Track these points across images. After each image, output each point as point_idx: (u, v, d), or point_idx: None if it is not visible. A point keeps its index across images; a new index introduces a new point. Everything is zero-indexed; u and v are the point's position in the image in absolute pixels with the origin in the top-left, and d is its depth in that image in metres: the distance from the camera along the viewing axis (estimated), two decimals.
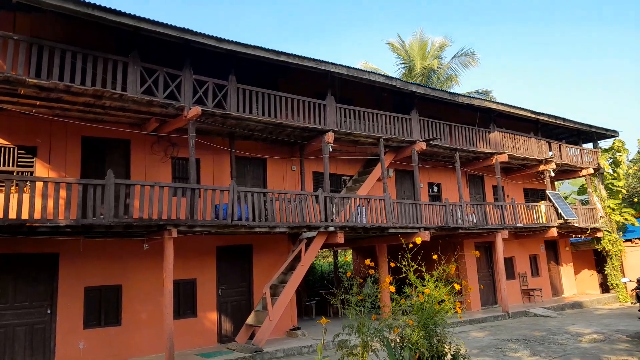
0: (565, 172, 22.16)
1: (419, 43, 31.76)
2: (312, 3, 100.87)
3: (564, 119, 20.32)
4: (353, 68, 14.16)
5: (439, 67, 30.79)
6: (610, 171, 22.30)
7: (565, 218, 19.09)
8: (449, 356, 6.83)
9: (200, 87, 11.58)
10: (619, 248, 21.09)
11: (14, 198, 9.09)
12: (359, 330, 6.07)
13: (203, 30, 11.22)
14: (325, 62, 13.28)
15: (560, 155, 20.67)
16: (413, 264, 6.59)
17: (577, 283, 23.29)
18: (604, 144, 23.43)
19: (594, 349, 10.52)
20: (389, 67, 68.55)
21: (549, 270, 21.95)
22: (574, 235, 21.62)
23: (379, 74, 15.80)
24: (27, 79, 9.13)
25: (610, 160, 22.55)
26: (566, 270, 22.77)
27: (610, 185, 22.23)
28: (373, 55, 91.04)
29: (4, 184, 9.03)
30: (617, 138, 22.57)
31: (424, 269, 6.70)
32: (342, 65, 13.71)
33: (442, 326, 6.72)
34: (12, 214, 8.93)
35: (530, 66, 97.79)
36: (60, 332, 10.33)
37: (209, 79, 11.68)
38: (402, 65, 32.28)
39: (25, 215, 8.96)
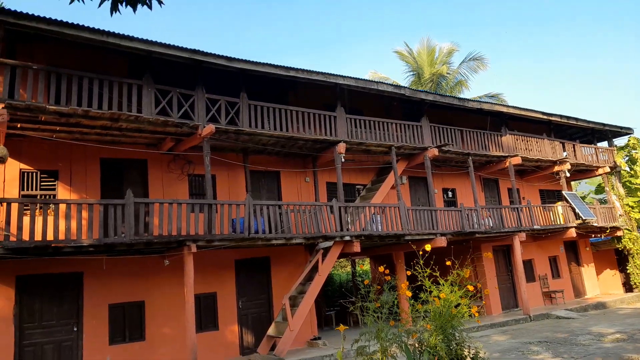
0: (581, 171, 22.00)
1: (426, 50, 31.96)
2: (318, 15, 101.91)
3: (577, 119, 20.24)
4: (361, 79, 14.38)
5: (448, 73, 30.89)
6: (627, 169, 22.09)
7: (584, 218, 18.93)
8: (469, 359, 6.92)
9: (213, 105, 11.89)
10: None
11: (38, 221, 9.43)
12: (377, 336, 6.15)
13: (213, 49, 11.63)
14: (333, 74, 13.53)
15: (575, 155, 20.55)
16: (427, 270, 6.70)
17: (599, 283, 22.96)
18: (619, 141, 23.26)
19: (617, 349, 10.43)
20: (398, 75, 68.76)
21: (570, 271, 21.71)
22: (593, 235, 21.36)
23: (387, 83, 15.99)
24: (47, 106, 9.52)
25: (627, 158, 22.38)
26: (588, 271, 22.48)
27: (627, 183, 22.01)
28: (382, 64, 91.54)
29: (29, 208, 9.37)
30: (632, 135, 22.39)
31: (437, 274, 6.80)
32: (351, 77, 13.95)
33: (460, 330, 6.83)
34: (38, 236, 9.27)
35: (541, 68, 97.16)
36: (87, 349, 10.60)
37: (220, 97, 11.99)
38: (411, 73, 32.48)
39: (50, 236, 9.28)
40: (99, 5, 4.93)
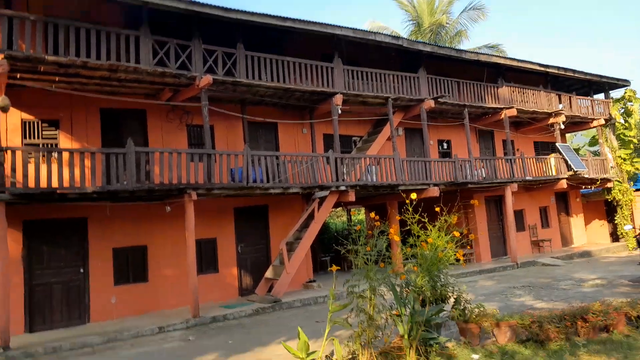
0: (576, 124, 22.19)
1: None
2: None
3: (574, 70, 20.23)
4: (359, 30, 14.33)
5: (448, 23, 30.43)
6: (622, 121, 22.26)
7: (575, 170, 19.34)
8: (452, 300, 7.46)
9: (210, 56, 11.95)
10: (630, 197, 21.32)
11: (42, 168, 9.75)
12: (366, 276, 6.58)
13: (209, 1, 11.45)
14: (330, 25, 13.48)
15: (571, 107, 20.69)
16: (416, 216, 7.12)
17: (587, 233, 23.70)
18: (616, 94, 23.30)
19: (594, 293, 11.07)
20: (397, 24, 67.31)
21: (559, 221, 22.36)
22: (584, 187, 21.87)
23: (385, 34, 15.92)
24: (46, 57, 9.62)
25: (622, 110, 22.47)
26: (576, 221, 23.15)
27: (621, 136, 22.24)
28: (381, 14, 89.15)
29: (32, 156, 9.67)
30: (628, 88, 22.41)
31: (426, 220, 7.22)
32: (348, 28, 13.91)
33: (445, 272, 7.32)
34: (43, 183, 9.62)
35: (542, 20, 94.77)
36: (93, 289, 11.23)
37: (218, 48, 12.03)
38: (411, 22, 31.96)
39: (55, 183, 9.63)
40: None
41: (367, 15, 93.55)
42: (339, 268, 6.85)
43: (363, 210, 25.85)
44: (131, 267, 11.91)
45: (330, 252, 19.85)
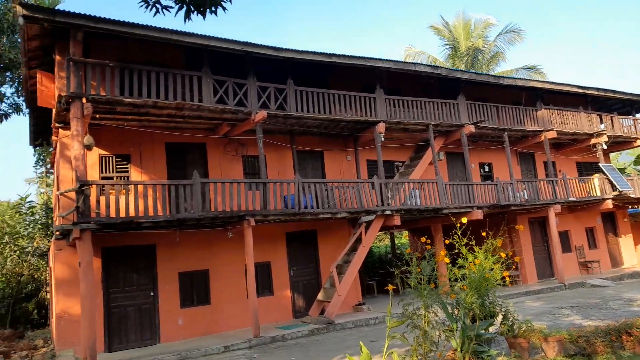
0: (620, 143, 22.09)
1: (462, 23, 31.98)
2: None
3: (614, 91, 20.34)
4: (399, 61, 15.17)
5: (484, 46, 30.90)
6: None
7: (620, 189, 19.27)
8: (500, 316, 7.93)
9: (263, 92, 12.99)
10: None
11: (121, 199, 10.84)
12: (420, 295, 7.17)
13: (259, 41, 12.53)
14: (372, 58, 14.36)
15: (613, 127, 20.71)
16: (464, 239, 7.68)
17: (638, 254, 23.24)
18: None
19: None
20: (434, 49, 67.98)
21: (607, 242, 22.09)
22: (631, 207, 21.61)
23: (424, 64, 16.73)
24: (124, 99, 10.85)
25: None
26: (625, 241, 22.79)
27: None
28: (417, 39, 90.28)
29: (113, 189, 10.79)
30: None
31: (473, 243, 7.77)
32: (389, 60, 14.75)
33: (493, 291, 7.81)
34: (115, 213, 10.67)
35: (581, 38, 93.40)
36: (162, 311, 12.18)
37: (270, 85, 13.07)
38: (447, 46, 32.59)
39: (132, 213, 10.70)
40: (175, 15, 6.00)
41: (404, 41, 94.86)
42: (393, 287, 7.43)
43: (405, 233, 26.22)
44: (195, 290, 12.85)
45: (376, 276, 20.34)
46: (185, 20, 5.95)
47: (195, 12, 6.11)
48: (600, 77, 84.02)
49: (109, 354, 11.19)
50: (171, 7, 5.96)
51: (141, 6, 5.93)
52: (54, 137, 13.33)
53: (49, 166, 20.85)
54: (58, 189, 11.97)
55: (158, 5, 6.01)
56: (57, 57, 11.72)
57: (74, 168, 10.26)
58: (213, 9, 6.13)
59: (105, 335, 11.38)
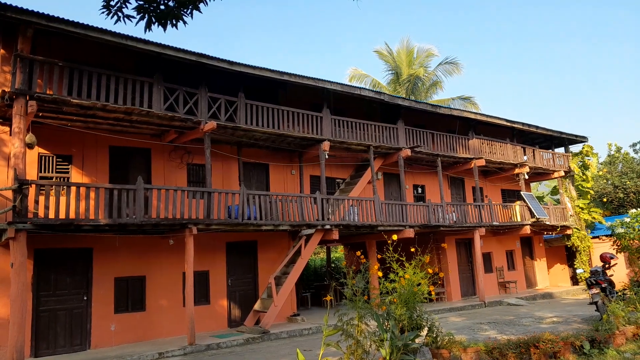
0: (539, 174, 24.16)
1: (405, 50, 33.63)
2: (305, 14, 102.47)
3: (537, 127, 22.30)
4: (347, 85, 15.95)
5: (425, 75, 32.66)
6: (580, 173, 24.33)
7: (537, 217, 21.06)
8: (426, 328, 8.66)
9: (214, 103, 13.25)
10: (587, 244, 23.13)
11: (62, 201, 10.69)
12: (355, 306, 7.72)
13: (205, 50, 12.83)
14: (322, 80, 15.02)
15: (534, 159, 22.65)
16: (395, 255, 8.37)
17: (550, 276, 25.34)
18: (575, 148, 25.53)
19: (550, 328, 12.33)
20: (377, 72, 70.64)
21: (524, 264, 23.94)
22: (546, 233, 23.62)
23: (368, 89, 17.62)
24: (71, 99, 10.74)
25: (580, 164, 24.60)
26: (540, 265, 24.79)
27: (580, 187, 24.29)
28: (363, 61, 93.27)
29: (52, 189, 10.60)
30: (586, 143, 24.67)
31: (404, 259, 8.47)
32: (337, 83, 15.48)
33: (420, 304, 8.53)
34: (52, 214, 10.53)
35: (513, 74, 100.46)
36: (95, 316, 11.98)
37: (221, 96, 13.35)
38: (390, 72, 34.11)
39: (72, 215, 10.52)
40: (136, 24, 6.23)
41: (351, 60, 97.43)
42: (331, 297, 7.94)
43: (341, 247, 26.98)
44: (130, 296, 12.73)
45: (311, 288, 20.83)
46: (145, 31, 6.15)
47: (157, 24, 6.40)
48: (532, 109, 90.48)
49: (35, 359, 10.85)
50: (133, 17, 6.18)
51: (102, 12, 6.11)
52: None
53: None
54: None
55: (120, 14, 6.24)
56: (2, 51, 11.42)
57: (13, 166, 10.01)
58: (174, 22, 6.45)
59: (32, 340, 11.04)
